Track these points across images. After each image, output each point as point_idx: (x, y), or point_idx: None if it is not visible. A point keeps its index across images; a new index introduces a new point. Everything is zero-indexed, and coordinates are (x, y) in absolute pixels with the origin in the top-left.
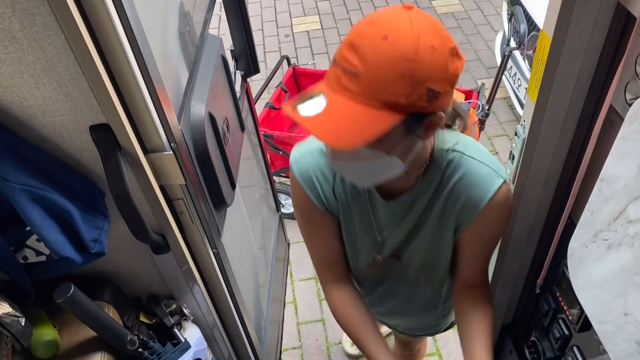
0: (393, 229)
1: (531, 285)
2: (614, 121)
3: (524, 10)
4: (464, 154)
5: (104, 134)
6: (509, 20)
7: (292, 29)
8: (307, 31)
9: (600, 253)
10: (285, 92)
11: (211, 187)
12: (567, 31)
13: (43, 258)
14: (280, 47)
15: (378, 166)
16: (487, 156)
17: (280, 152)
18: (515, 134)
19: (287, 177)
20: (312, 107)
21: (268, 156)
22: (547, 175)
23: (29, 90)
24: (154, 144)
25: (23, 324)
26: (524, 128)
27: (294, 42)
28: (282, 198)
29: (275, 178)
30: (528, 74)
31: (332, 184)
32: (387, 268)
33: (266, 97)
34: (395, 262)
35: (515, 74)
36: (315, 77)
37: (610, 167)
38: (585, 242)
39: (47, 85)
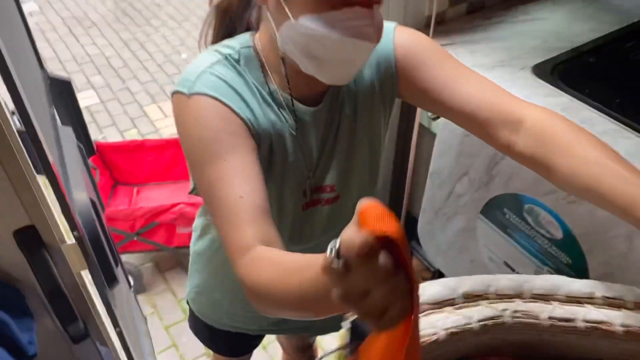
0: (327, 152)
1: None
2: (422, 133)
3: None
4: None
5: (29, 236)
6: None
7: None
8: (87, 106)
9: (442, 224)
10: (95, 169)
11: (104, 268)
12: None
13: None
14: None
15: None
16: None
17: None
18: None
19: (122, 251)
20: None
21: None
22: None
23: None
24: (62, 236)
25: None
26: None
27: None
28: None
29: None
30: None
31: (257, 97)
32: (318, 215)
33: None
34: (327, 207)
35: None
36: (123, 148)
37: (435, 163)
38: (429, 220)
39: None
